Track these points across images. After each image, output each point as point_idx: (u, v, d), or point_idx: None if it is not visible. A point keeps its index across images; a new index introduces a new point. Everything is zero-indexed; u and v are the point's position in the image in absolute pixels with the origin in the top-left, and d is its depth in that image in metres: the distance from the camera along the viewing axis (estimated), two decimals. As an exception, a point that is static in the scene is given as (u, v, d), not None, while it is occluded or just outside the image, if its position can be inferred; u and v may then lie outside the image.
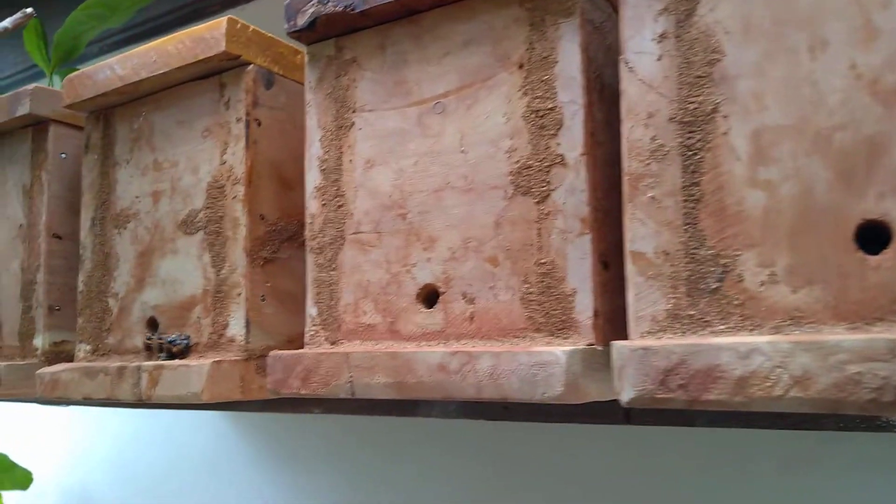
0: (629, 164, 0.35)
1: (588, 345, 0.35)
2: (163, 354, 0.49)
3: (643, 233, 0.34)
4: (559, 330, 0.36)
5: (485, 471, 0.83)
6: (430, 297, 0.42)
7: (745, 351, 0.29)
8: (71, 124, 0.62)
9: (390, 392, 0.38)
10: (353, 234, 0.44)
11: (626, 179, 0.35)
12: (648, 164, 0.34)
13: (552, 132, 0.38)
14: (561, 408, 0.56)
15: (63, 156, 0.62)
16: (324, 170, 0.46)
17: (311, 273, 0.46)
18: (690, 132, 0.33)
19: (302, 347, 0.52)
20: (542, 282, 0.37)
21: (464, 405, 0.61)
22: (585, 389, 0.34)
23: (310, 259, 0.46)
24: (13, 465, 1.29)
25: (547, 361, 0.33)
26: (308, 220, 0.46)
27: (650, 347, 0.31)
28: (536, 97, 0.38)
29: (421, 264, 0.42)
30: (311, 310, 0.46)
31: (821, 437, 0.64)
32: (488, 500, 0.83)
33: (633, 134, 0.35)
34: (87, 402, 0.52)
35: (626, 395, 0.31)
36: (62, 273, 0.61)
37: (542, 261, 0.37)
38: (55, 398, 0.53)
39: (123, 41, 1.15)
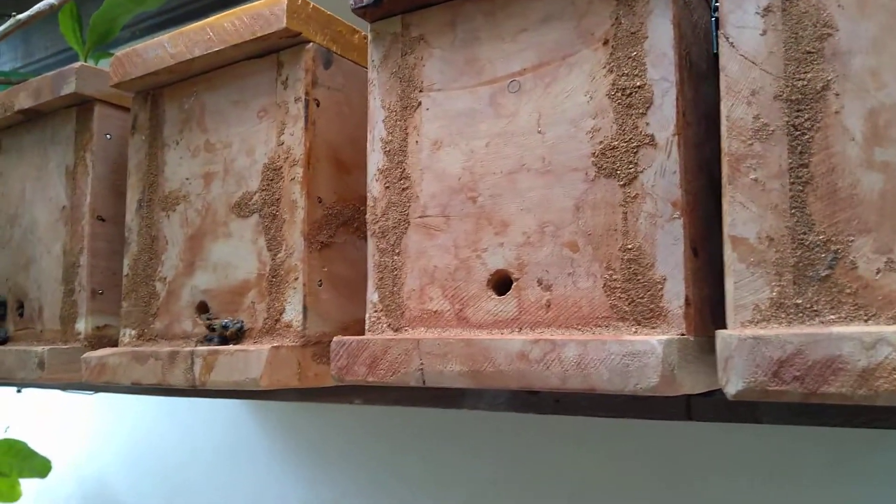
0: (730, 145, 0.33)
1: (680, 335, 0.33)
2: (215, 339, 0.48)
3: (745, 217, 0.32)
4: (646, 319, 0.35)
5: (507, 465, 0.81)
6: (502, 283, 0.40)
7: (870, 341, 0.27)
8: (116, 104, 0.61)
9: (465, 381, 0.37)
10: (419, 217, 0.43)
11: (726, 160, 0.33)
12: (751, 144, 0.32)
13: (640, 111, 0.36)
14: (621, 402, 0.54)
15: (108, 136, 0.60)
16: (387, 151, 0.44)
17: (372, 258, 0.44)
18: (798, 111, 0.31)
19: (357, 335, 0.51)
20: (628, 268, 0.35)
21: (513, 398, 0.59)
22: (681, 381, 0.32)
23: (371, 243, 0.44)
24: (32, 453, 1.29)
25: (641, 351, 0.32)
26: (370, 203, 0.45)
27: (762, 337, 0.29)
28: (623, 74, 0.36)
29: (492, 249, 0.40)
30: (373, 295, 0.44)
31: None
32: (513, 496, 0.81)
33: (735, 112, 0.33)
34: (135, 388, 0.51)
35: (732, 388, 0.29)
36: (105, 256, 0.59)
37: (629, 246, 0.36)
38: (102, 383, 0.51)
39: (156, 26, 1.14)
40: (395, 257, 0.43)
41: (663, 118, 0.35)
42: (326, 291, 0.48)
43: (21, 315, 0.63)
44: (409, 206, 0.43)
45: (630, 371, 0.32)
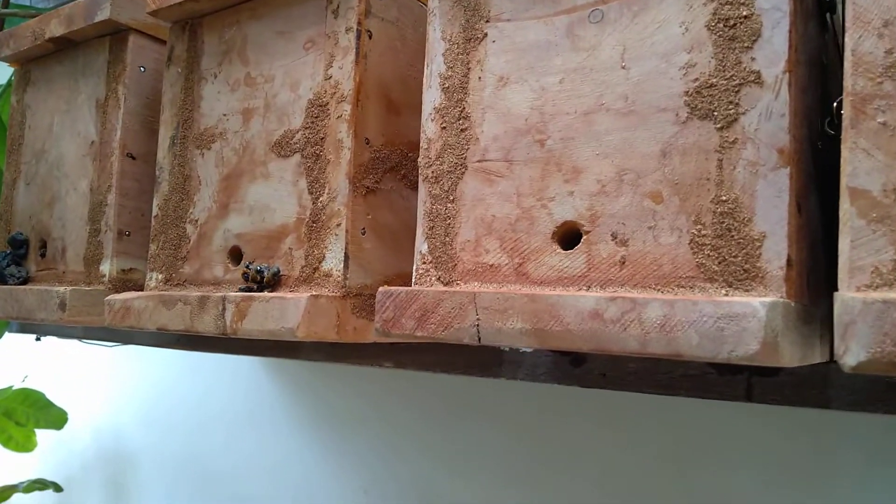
0: (854, 83, 0.28)
1: (779, 299, 0.29)
2: (251, 286, 0.44)
3: (868, 166, 0.28)
4: (739, 281, 0.30)
5: (540, 444, 0.78)
6: (569, 236, 0.36)
7: None
8: (152, 36, 0.58)
9: (528, 340, 0.33)
10: (478, 161, 0.39)
11: (849, 101, 0.28)
12: (881, 82, 0.28)
13: (746, 44, 0.31)
14: (674, 379, 0.50)
15: (142, 69, 0.57)
16: (446, 88, 0.40)
17: (423, 205, 0.40)
18: (942, 44, 0.27)
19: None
20: (721, 223, 0.31)
21: (554, 369, 0.56)
22: (783, 350, 0.28)
23: (423, 189, 0.41)
24: (49, 404, 1.28)
25: (740, 314, 0.28)
26: (423, 144, 0.41)
27: (894, 301, 0.24)
28: (726, 3, 0.32)
29: (561, 198, 0.36)
30: (422, 245, 0.40)
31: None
32: (538, 478, 0.78)
33: (862, 46, 0.28)
34: (161, 333, 0.48)
35: (853, 358, 0.25)
36: (134, 196, 0.56)
37: (723, 198, 0.31)
38: (125, 328, 0.48)
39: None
40: (449, 205, 0.39)
41: (773, 53, 0.31)
42: (370, 241, 0.44)
43: (43, 255, 0.60)
44: (468, 149, 0.39)
45: (725, 336, 0.28)
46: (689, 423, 0.69)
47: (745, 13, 0.32)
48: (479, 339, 0.34)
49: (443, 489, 0.88)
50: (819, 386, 0.47)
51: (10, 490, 1.26)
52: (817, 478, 0.63)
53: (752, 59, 0.31)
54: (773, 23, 0.31)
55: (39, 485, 1.28)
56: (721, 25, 0.32)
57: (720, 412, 0.67)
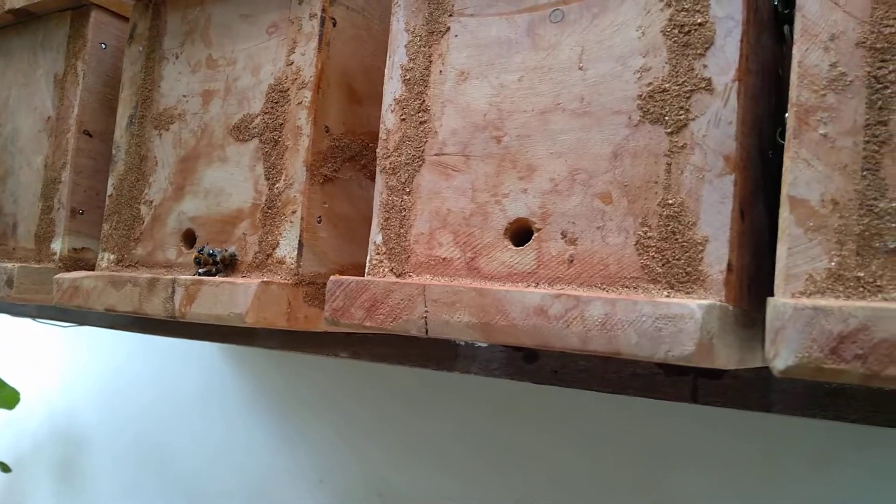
0: (799, 94, 0.29)
1: (719, 302, 0.30)
2: (201, 269, 0.44)
3: (809, 176, 0.28)
4: (681, 283, 0.31)
5: (488, 437, 0.78)
6: (521, 233, 0.36)
7: (952, 322, 0.23)
8: (114, 12, 0.56)
9: (473, 333, 0.33)
10: (435, 155, 0.39)
11: (793, 112, 0.29)
12: (824, 94, 0.28)
13: (699, 51, 0.32)
14: (622, 378, 0.51)
15: (103, 46, 0.56)
16: (407, 80, 0.40)
17: (380, 195, 0.40)
18: (883, 61, 0.28)
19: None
20: (666, 226, 0.32)
21: (508, 364, 0.56)
22: (718, 352, 0.28)
23: (380, 180, 0.41)
24: (2, 383, 1.25)
25: (677, 315, 0.28)
26: (382, 135, 0.41)
27: (823, 308, 0.25)
28: (683, 9, 0.33)
29: (514, 195, 0.36)
30: (377, 236, 0.40)
31: None
32: (487, 471, 0.79)
33: (809, 58, 0.29)
34: (108, 319, 0.47)
35: (781, 362, 0.26)
36: (89, 174, 0.55)
37: (669, 201, 0.32)
38: (73, 307, 0.48)
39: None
40: (405, 197, 0.40)
41: (724, 61, 0.31)
42: (325, 229, 0.44)
43: (-6, 230, 0.59)
44: (426, 142, 0.39)
45: (663, 336, 0.28)
46: (637, 422, 0.70)
47: (699, 20, 0.32)
48: (427, 332, 0.35)
49: (397, 480, 0.88)
50: (762, 390, 0.48)
51: (-45, 470, 1.23)
52: (760, 480, 0.65)
53: (704, 66, 0.32)
54: (726, 31, 0.32)
55: (-13, 465, 1.25)
56: (676, 31, 0.33)
57: (668, 412, 0.68)
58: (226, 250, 0.44)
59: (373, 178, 0.48)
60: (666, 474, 0.69)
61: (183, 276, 0.42)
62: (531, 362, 0.55)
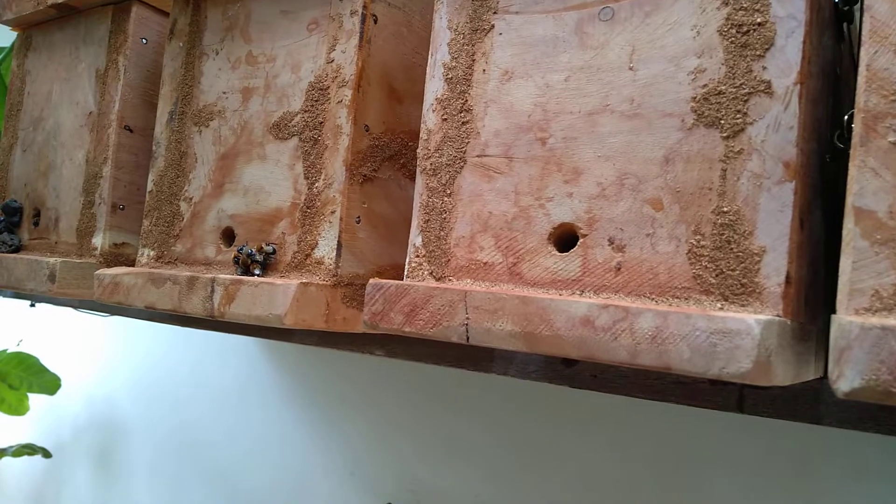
0: (867, 99, 0.27)
1: (776, 317, 0.29)
2: (239, 269, 0.44)
3: (876, 186, 0.27)
4: (736, 295, 0.30)
5: (523, 440, 0.77)
6: (566, 238, 0.35)
7: None
8: (156, 7, 0.56)
9: (515, 342, 0.32)
10: (478, 156, 0.38)
11: (860, 118, 0.27)
12: (894, 100, 0.27)
13: (758, 52, 0.30)
14: (665, 385, 0.50)
15: (144, 41, 0.56)
16: (449, 79, 0.39)
17: (419, 197, 0.40)
18: (960, 64, 0.26)
19: (393, 280, 0.46)
20: (721, 234, 0.30)
21: (546, 368, 0.55)
22: (776, 370, 0.27)
23: (420, 181, 0.40)
24: (43, 369, 1.28)
25: (733, 330, 0.27)
26: (423, 135, 0.40)
27: (892, 328, 0.24)
28: (741, 8, 0.31)
29: (559, 199, 0.35)
30: (416, 239, 0.40)
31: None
32: (518, 475, 0.78)
33: (878, 61, 0.27)
34: (148, 311, 0.47)
35: (846, 384, 0.24)
36: (130, 169, 0.55)
37: (724, 209, 0.31)
38: (113, 303, 0.48)
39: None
40: (446, 199, 0.39)
41: (785, 63, 0.30)
42: (364, 230, 0.43)
43: (36, 224, 0.60)
44: (468, 143, 0.38)
45: (717, 352, 0.27)
46: (676, 429, 0.69)
47: (759, 20, 0.31)
48: (468, 339, 0.34)
49: (426, 476, 0.87)
50: (811, 401, 0.46)
51: (-2, 453, 1.27)
52: (803, 493, 0.63)
53: (764, 67, 0.30)
54: (788, 32, 0.30)
55: (28, 450, 1.28)
56: (734, 31, 0.31)
57: (707, 419, 0.67)
58: (264, 249, 0.43)
59: (412, 178, 0.47)
60: (702, 482, 0.67)
61: (222, 276, 0.42)
62: (570, 366, 0.53)
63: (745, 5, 0.31)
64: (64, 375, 1.27)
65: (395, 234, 0.46)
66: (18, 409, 1.35)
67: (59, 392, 1.27)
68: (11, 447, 1.28)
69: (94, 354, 1.36)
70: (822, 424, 0.47)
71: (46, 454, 1.28)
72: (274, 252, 0.43)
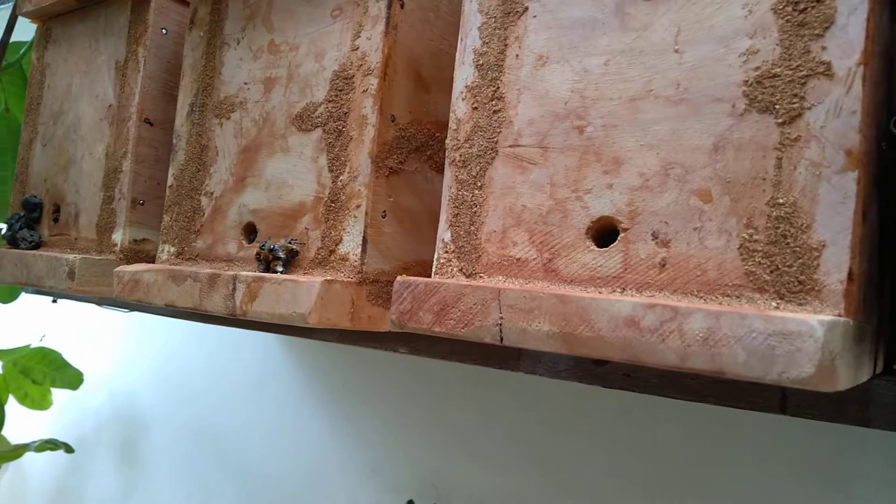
0: (942, 79, 0.25)
1: (838, 316, 0.26)
2: (261, 265, 0.42)
3: (952, 174, 0.25)
4: (792, 293, 0.28)
5: (551, 441, 0.75)
6: (605, 233, 0.33)
7: None
8: (175, -3, 0.55)
9: (553, 344, 0.30)
10: (510, 146, 0.36)
11: (934, 99, 0.25)
12: (973, 80, 0.25)
13: (817, 32, 0.28)
14: (701, 385, 0.47)
15: (164, 31, 0.55)
16: (480, 65, 0.38)
17: (448, 190, 0.38)
18: None
19: (420, 277, 0.45)
20: (776, 228, 0.28)
21: (576, 367, 0.53)
22: (839, 374, 0.25)
23: (449, 173, 0.38)
24: (66, 364, 1.28)
25: (794, 332, 0.25)
26: (452, 125, 0.38)
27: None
28: (797, -16, 0.29)
29: (598, 191, 0.33)
30: (445, 234, 0.38)
31: None
32: (547, 476, 0.76)
33: (954, 38, 0.25)
34: (169, 309, 0.46)
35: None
36: (150, 163, 0.54)
37: (780, 200, 0.28)
38: (133, 301, 0.47)
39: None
40: (477, 191, 0.37)
41: (847, 42, 0.28)
42: (390, 224, 0.42)
43: (56, 220, 0.59)
44: (500, 133, 0.37)
45: (776, 355, 0.25)
46: (712, 430, 0.66)
47: (817, -4, 0.28)
48: (502, 340, 0.32)
49: (449, 474, 0.86)
50: (860, 402, 0.44)
51: (22, 449, 1.27)
52: (851, 500, 0.60)
53: (823, 48, 0.28)
54: (850, 9, 0.28)
55: (51, 445, 1.28)
56: (789, 9, 0.29)
57: (743, 420, 0.64)
58: (287, 245, 0.42)
59: (439, 170, 0.45)
60: (740, 488, 0.65)
61: (244, 273, 0.41)
62: (601, 365, 0.51)
63: (801, -19, 0.29)
64: (86, 370, 1.28)
65: (422, 228, 0.44)
66: (42, 403, 1.36)
67: (82, 386, 1.27)
68: (34, 442, 1.28)
69: (116, 348, 1.36)
70: (872, 427, 0.44)
71: (69, 449, 1.29)
72: (297, 250, 0.42)
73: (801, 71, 0.28)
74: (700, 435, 0.67)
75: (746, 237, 0.29)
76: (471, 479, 0.84)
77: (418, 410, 0.89)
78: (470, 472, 0.84)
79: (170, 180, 0.51)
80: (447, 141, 0.38)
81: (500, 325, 0.32)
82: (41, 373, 1.31)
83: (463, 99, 0.38)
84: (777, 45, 0.29)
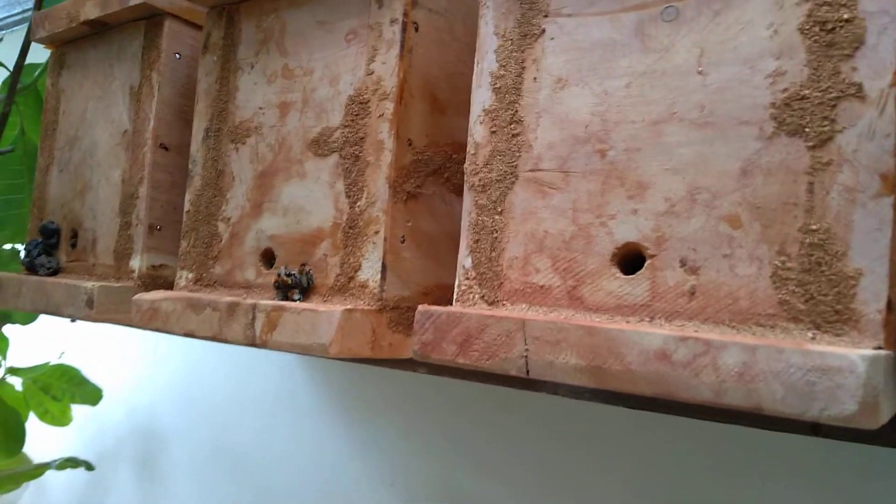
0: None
1: (876, 348, 0.26)
2: (279, 294, 0.42)
3: None
4: (829, 323, 0.27)
5: (567, 463, 0.74)
6: (631, 259, 0.32)
7: None
8: (188, 21, 0.55)
9: (581, 377, 0.30)
10: (530, 171, 0.35)
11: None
12: None
13: (846, 52, 0.27)
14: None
15: (177, 56, 0.54)
16: (497, 88, 0.37)
17: (468, 215, 0.37)
18: None
19: (439, 302, 0.44)
20: (810, 255, 0.27)
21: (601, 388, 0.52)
22: (882, 410, 0.24)
23: (468, 198, 0.37)
24: (85, 380, 1.29)
25: (834, 367, 0.24)
26: (470, 149, 0.38)
27: None
28: (824, 3, 0.28)
29: (623, 217, 0.32)
30: (466, 260, 0.37)
31: None
32: (568, 479, 0.75)
33: None
34: (188, 337, 0.46)
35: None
36: (166, 189, 0.54)
37: (812, 227, 0.28)
38: (152, 329, 0.46)
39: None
40: (497, 217, 0.36)
41: (878, 63, 0.27)
42: (409, 249, 0.41)
43: (74, 246, 0.59)
44: (519, 157, 0.36)
45: (816, 391, 0.24)
46: (737, 450, 0.65)
47: (846, 16, 0.28)
48: (528, 372, 0.31)
49: (468, 488, 0.85)
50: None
51: (43, 467, 1.28)
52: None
53: (853, 69, 0.27)
54: (880, 28, 0.27)
55: (72, 463, 1.29)
56: (817, 29, 0.28)
57: (768, 441, 0.63)
58: (304, 272, 0.41)
59: (456, 192, 0.45)
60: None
61: (263, 301, 0.40)
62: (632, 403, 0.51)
63: (828, 0, 0.28)
64: (105, 386, 1.28)
65: (440, 252, 0.43)
66: (61, 419, 1.36)
67: (101, 402, 1.28)
68: (55, 461, 1.29)
69: (134, 364, 1.37)
70: (907, 447, 0.43)
71: (89, 467, 1.29)
72: (313, 276, 0.41)
73: (831, 93, 0.28)
74: (724, 455, 0.66)
75: (779, 264, 0.28)
76: (489, 494, 0.83)
77: (436, 425, 0.89)
78: (488, 488, 0.83)
79: (186, 206, 0.51)
80: (465, 165, 0.38)
81: (526, 357, 0.31)
82: (61, 389, 1.32)
83: (481, 123, 0.37)
84: (805, 65, 0.28)
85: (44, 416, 1.35)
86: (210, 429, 1.20)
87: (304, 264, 0.42)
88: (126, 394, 1.37)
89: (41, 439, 1.45)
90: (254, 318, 0.40)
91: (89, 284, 0.51)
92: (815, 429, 0.45)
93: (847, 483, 0.60)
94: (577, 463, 0.75)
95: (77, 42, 0.62)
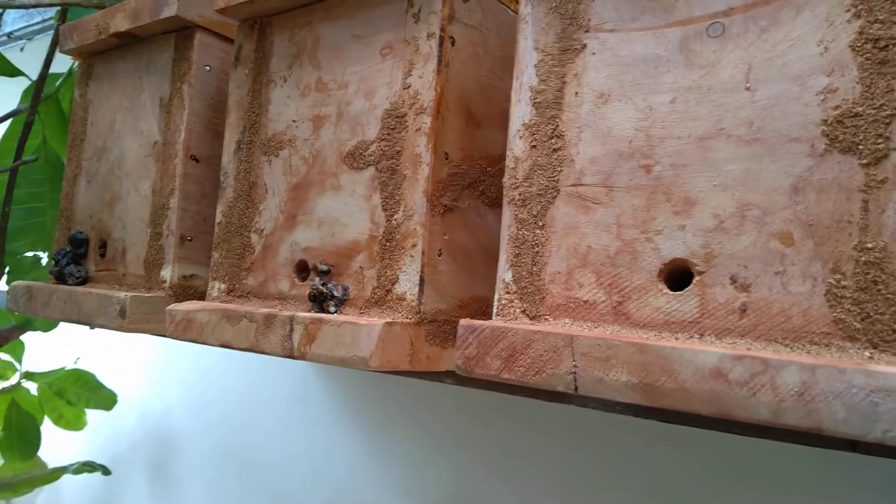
0: None
1: (936, 367, 0.25)
2: (314, 305, 0.42)
3: None
4: (887, 342, 0.27)
5: (599, 476, 0.74)
6: (678, 275, 0.32)
7: None
8: (219, 34, 0.55)
9: (633, 395, 0.30)
10: (572, 185, 0.35)
11: None
12: None
13: (902, 70, 0.27)
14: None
15: (208, 68, 0.55)
16: (538, 103, 0.37)
17: (508, 229, 0.37)
18: None
19: (474, 315, 0.44)
20: (865, 274, 0.27)
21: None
22: (946, 432, 0.24)
23: (508, 212, 0.37)
24: (100, 385, 1.29)
25: (896, 387, 0.24)
26: (509, 163, 0.38)
27: None
28: (877, 21, 0.28)
29: (669, 232, 0.32)
30: (506, 274, 0.37)
31: None
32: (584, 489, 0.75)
33: None
34: (223, 347, 0.46)
35: None
36: (197, 200, 0.54)
37: (868, 245, 0.27)
38: (187, 340, 0.46)
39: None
40: (538, 231, 0.36)
41: (935, 81, 0.27)
42: (445, 262, 0.41)
43: (103, 255, 0.59)
44: (561, 171, 0.36)
45: (879, 412, 0.24)
46: (762, 464, 0.65)
47: (901, 33, 0.27)
48: (576, 389, 0.31)
49: (483, 498, 0.85)
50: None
51: (60, 471, 1.28)
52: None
53: (909, 86, 0.27)
54: (937, 45, 0.27)
55: (88, 467, 1.29)
56: (869, 46, 0.28)
57: (818, 460, 0.63)
58: (336, 287, 0.41)
59: (491, 205, 0.45)
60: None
61: (301, 314, 0.40)
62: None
63: (880, 17, 0.28)
64: (119, 391, 1.29)
65: (476, 264, 0.43)
66: (76, 424, 1.37)
67: (115, 407, 1.28)
68: (72, 465, 1.29)
69: (149, 369, 1.37)
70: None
71: (106, 471, 1.30)
72: (347, 288, 0.41)
73: (885, 110, 0.28)
74: (741, 467, 0.66)
75: (833, 282, 0.28)
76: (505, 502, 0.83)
77: (451, 433, 0.89)
78: (503, 497, 0.83)
79: (218, 217, 0.51)
80: (504, 179, 0.38)
81: (574, 373, 0.31)
82: (75, 394, 1.32)
83: (520, 137, 0.37)
84: (857, 83, 0.28)
85: (58, 421, 1.35)
86: (223, 433, 1.20)
87: (329, 267, 0.42)
88: (140, 399, 1.37)
89: (56, 444, 1.46)
90: (291, 330, 0.40)
91: (122, 294, 0.51)
92: (853, 445, 0.45)
93: (878, 499, 0.59)
94: (592, 473, 0.75)
95: (105, 53, 0.62)
